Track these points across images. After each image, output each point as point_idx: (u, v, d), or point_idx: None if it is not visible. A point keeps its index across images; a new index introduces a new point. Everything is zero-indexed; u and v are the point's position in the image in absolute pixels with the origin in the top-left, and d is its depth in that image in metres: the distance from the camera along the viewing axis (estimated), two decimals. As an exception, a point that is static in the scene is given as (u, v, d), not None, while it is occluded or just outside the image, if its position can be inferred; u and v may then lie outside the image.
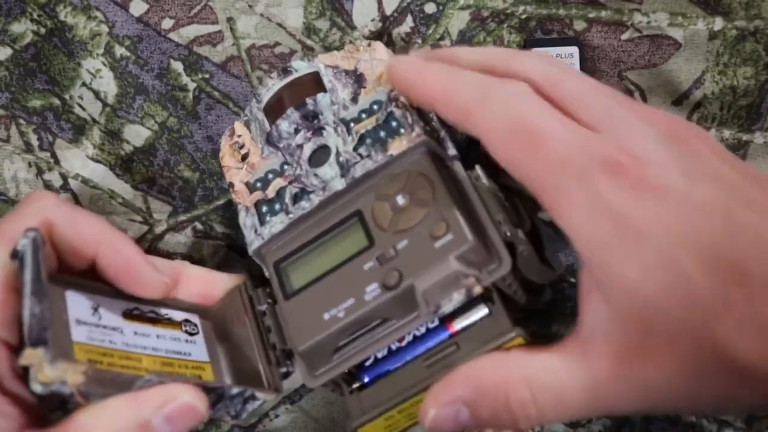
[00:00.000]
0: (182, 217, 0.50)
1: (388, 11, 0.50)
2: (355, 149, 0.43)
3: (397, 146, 0.41)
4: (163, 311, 0.42)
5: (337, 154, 0.43)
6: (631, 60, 0.50)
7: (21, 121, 0.51)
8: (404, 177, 0.41)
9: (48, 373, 0.34)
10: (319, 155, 0.43)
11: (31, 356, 0.34)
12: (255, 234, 0.43)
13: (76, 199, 0.50)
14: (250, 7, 0.51)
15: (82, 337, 0.37)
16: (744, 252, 0.32)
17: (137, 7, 0.51)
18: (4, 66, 0.51)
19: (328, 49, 0.50)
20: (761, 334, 0.32)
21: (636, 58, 0.50)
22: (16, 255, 0.36)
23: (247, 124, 0.46)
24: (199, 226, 0.51)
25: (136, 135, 0.51)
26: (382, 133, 0.43)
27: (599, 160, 0.34)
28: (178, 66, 0.51)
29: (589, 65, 0.49)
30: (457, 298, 0.38)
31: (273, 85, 0.46)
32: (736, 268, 0.32)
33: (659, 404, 0.34)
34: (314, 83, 0.45)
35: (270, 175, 0.44)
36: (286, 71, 0.46)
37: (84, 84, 0.51)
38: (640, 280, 0.33)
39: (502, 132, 0.36)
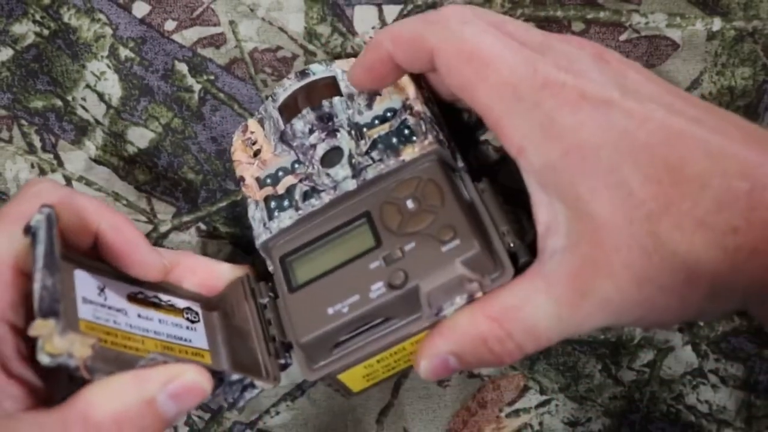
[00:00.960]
0: (186, 218, 0.51)
1: (389, 19, 0.50)
2: (367, 153, 0.44)
3: (409, 152, 0.42)
4: (166, 298, 0.42)
5: (350, 156, 0.44)
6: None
7: (23, 121, 0.51)
8: (414, 182, 0.42)
9: (57, 343, 0.34)
10: (332, 156, 0.44)
11: (40, 327, 0.34)
12: (263, 227, 0.44)
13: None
14: (252, 11, 0.51)
15: (88, 315, 0.37)
16: (679, 155, 0.34)
17: (140, 9, 0.51)
18: (5, 67, 0.51)
19: (329, 54, 0.50)
20: (701, 228, 0.33)
21: (634, 59, 0.50)
22: (29, 230, 0.36)
23: (260, 122, 0.47)
24: (202, 226, 0.51)
25: (140, 137, 0.51)
26: (395, 140, 0.44)
27: (542, 80, 0.36)
28: (182, 67, 0.51)
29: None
30: (459, 302, 0.38)
31: (290, 85, 0.47)
32: (673, 171, 0.34)
33: (621, 317, 0.36)
34: (331, 87, 0.46)
35: (281, 173, 0.45)
36: (303, 74, 0.47)
37: (88, 86, 0.51)
38: (589, 198, 0.35)
39: (450, 55, 0.38)
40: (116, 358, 0.36)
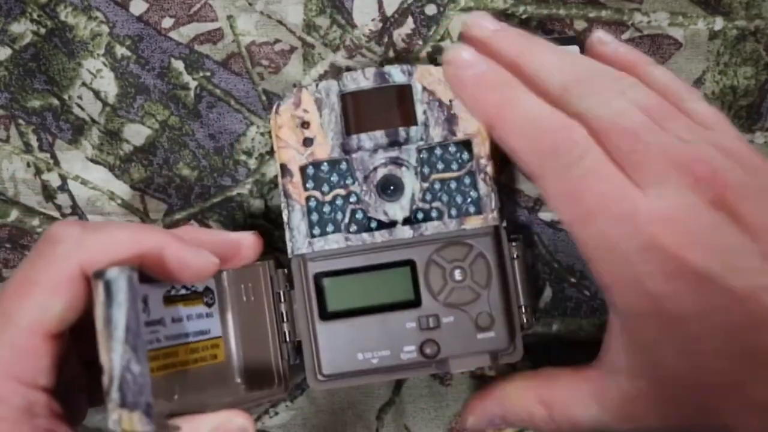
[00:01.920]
0: (178, 216, 0.50)
1: (389, 12, 0.50)
2: (427, 195, 0.44)
3: (472, 223, 0.43)
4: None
5: (412, 199, 0.44)
6: (632, 59, 0.50)
7: (20, 121, 0.51)
8: (465, 250, 0.43)
9: (138, 428, 0.33)
10: (389, 184, 0.44)
11: (124, 417, 0.32)
12: (304, 239, 0.43)
13: (74, 200, 0.50)
14: (250, 4, 0.51)
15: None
16: (763, 338, 0.34)
17: (137, 7, 0.51)
18: (3, 66, 0.51)
19: (328, 46, 0.50)
20: (762, 414, 0.35)
21: (636, 57, 0.50)
22: (100, 276, 0.34)
23: (318, 103, 0.44)
24: (194, 223, 0.50)
25: (137, 134, 0.51)
26: (457, 193, 0.44)
27: (644, 241, 0.36)
28: (179, 65, 0.51)
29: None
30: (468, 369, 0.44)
31: (363, 82, 0.44)
32: (753, 355, 0.35)
33: None
34: (408, 108, 0.44)
35: (330, 176, 0.44)
36: (381, 75, 0.44)
37: (84, 84, 0.51)
38: (663, 354, 0.36)
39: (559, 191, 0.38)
40: (163, 385, 0.36)
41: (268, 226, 0.49)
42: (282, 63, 0.50)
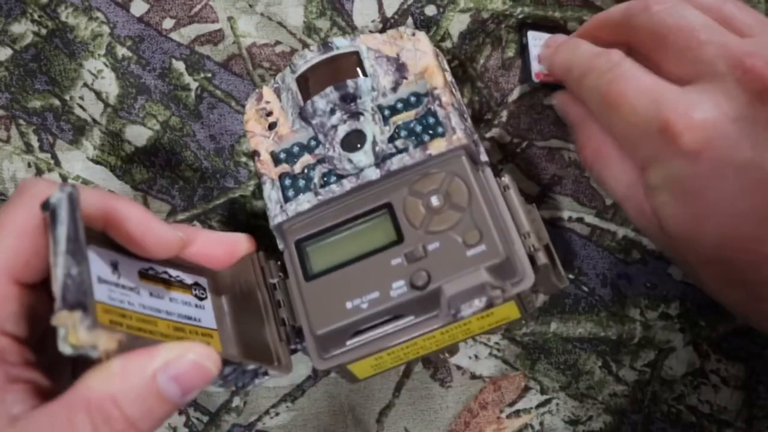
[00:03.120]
0: (181, 216, 0.50)
1: (389, 13, 0.50)
2: (390, 140, 0.43)
3: (436, 146, 0.42)
4: (175, 273, 0.41)
5: (374, 142, 0.43)
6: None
7: (21, 121, 0.51)
8: (440, 177, 0.42)
9: (82, 337, 0.32)
10: (352, 139, 0.43)
11: (65, 318, 0.32)
12: (279, 209, 0.43)
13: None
14: (251, 6, 0.51)
15: (103, 297, 0.36)
16: None
17: (138, 8, 0.51)
18: (4, 66, 0.51)
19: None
20: None
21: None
22: (47, 207, 0.34)
23: (276, 92, 0.46)
24: (197, 224, 0.50)
25: (138, 135, 0.51)
26: (419, 128, 0.43)
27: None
28: (180, 66, 0.51)
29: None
30: (478, 305, 0.38)
31: (311, 57, 0.46)
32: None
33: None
34: (355, 64, 0.45)
35: (296, 149, 0.45)
36: (326, 46, 0.45)
37: (85, 85, 0.51)
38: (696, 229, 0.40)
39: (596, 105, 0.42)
40: (132, 344, 0.35)
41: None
42: (282, 65, 0.50)
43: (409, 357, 0.42)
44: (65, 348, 0.32)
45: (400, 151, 0.43)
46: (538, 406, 0.48)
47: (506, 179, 0.43)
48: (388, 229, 0.41)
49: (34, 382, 0.35)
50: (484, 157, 0.43)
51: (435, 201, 0.41)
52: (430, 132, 0.43)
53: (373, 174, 0.42)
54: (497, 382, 0.48)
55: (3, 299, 0.35)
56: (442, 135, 0.42)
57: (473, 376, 0.48)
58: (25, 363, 0.35)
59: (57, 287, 0.33)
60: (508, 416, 0.48)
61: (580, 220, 0.49)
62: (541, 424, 0.47)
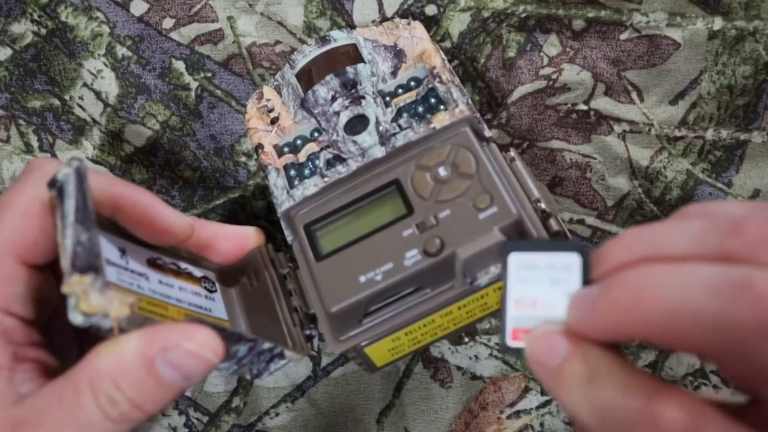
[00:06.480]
0: (182, 216, 0.50)
1: (389, 13, 0.50)
2: (393, 120, 0.43)
3: (440, 120, 0.42)
4: (183, 265, 0.41)
5: (377, 123, 0.43)
6: (630, 60, 0.50)
7: (21, 121, 0.51)
8: (446, 149, 0.41)
9: (94, 301, 0.31)
10: (355, 124, 0.44)
11: (75, 283, 0.31)
12: (286, 195, 0.43)
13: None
14: (251, 5, 0.51)
15: (113, 278, 0.35)
16: None
17: (138, 7, 0.51)
18: (3, 66, 0.51)
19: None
20: None
21: (635, 58, 0.50)
22: (54, 184, 0.34)
23: (277, 89, 0.47)
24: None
25: (138, 135, 0.51)
26: (421, 108, 0.44)
27: None
28: (180, 65, 0.51)
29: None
30: (494, 272, 0.38)
31: (309, 52, 0.46)
32: None
33: None
34: (353, 54, 0.46)
35: (299, 141, 0.45)
36: (324, 40, 0.46)
37: (85, 84, 0.51)
38: None
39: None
40: (144, 324, 0.34)
41: (270, 227, 0.49)
42: (282, 64, 0.50)
43: (427, 339, 0.41)
44: (76, 317, 0.31)
45: (404, 130, 0.43)
46: (538, 407, 0.48)
47: (512, 153, 0.42)
48: (397, 204, 0.41)
49: (41, 361, 0.35)
50: (487, 133, 0.43)
51: (443, 172, 0.41)
52: (432, 110, 0.43)
53: (379, 152, 0.42)
54: (497, 382, 0.48)
55: (9, 279, 0.35)
56: (445, 109, 0.43)
57: (473, 377, 0.48)
58: (31, 343, 0.35)
59: (66, 258, 0.32)
60: (509, 417, 0.48)
61: (581, 221, 0.49)
62: (542, 425, 0.47)
